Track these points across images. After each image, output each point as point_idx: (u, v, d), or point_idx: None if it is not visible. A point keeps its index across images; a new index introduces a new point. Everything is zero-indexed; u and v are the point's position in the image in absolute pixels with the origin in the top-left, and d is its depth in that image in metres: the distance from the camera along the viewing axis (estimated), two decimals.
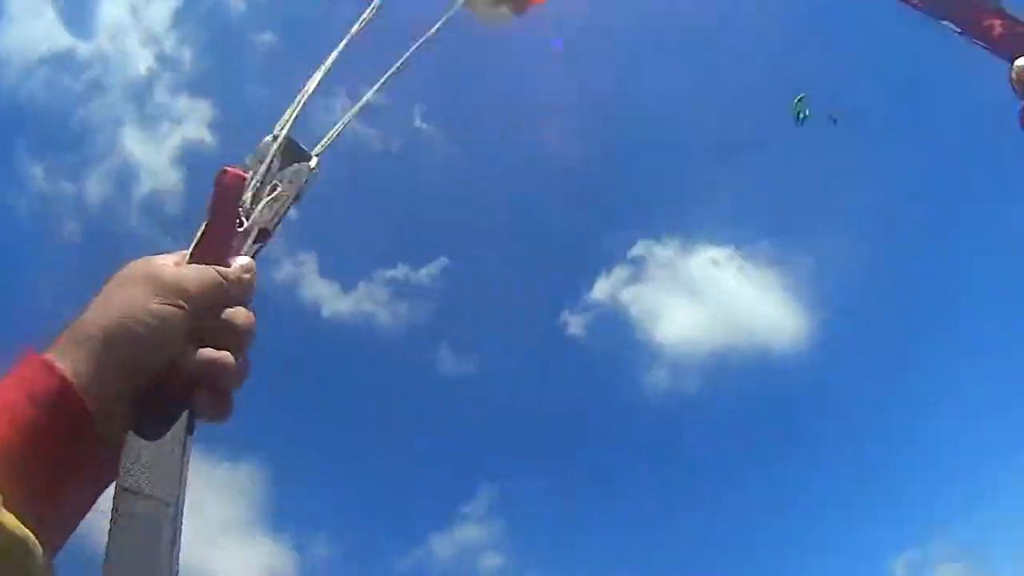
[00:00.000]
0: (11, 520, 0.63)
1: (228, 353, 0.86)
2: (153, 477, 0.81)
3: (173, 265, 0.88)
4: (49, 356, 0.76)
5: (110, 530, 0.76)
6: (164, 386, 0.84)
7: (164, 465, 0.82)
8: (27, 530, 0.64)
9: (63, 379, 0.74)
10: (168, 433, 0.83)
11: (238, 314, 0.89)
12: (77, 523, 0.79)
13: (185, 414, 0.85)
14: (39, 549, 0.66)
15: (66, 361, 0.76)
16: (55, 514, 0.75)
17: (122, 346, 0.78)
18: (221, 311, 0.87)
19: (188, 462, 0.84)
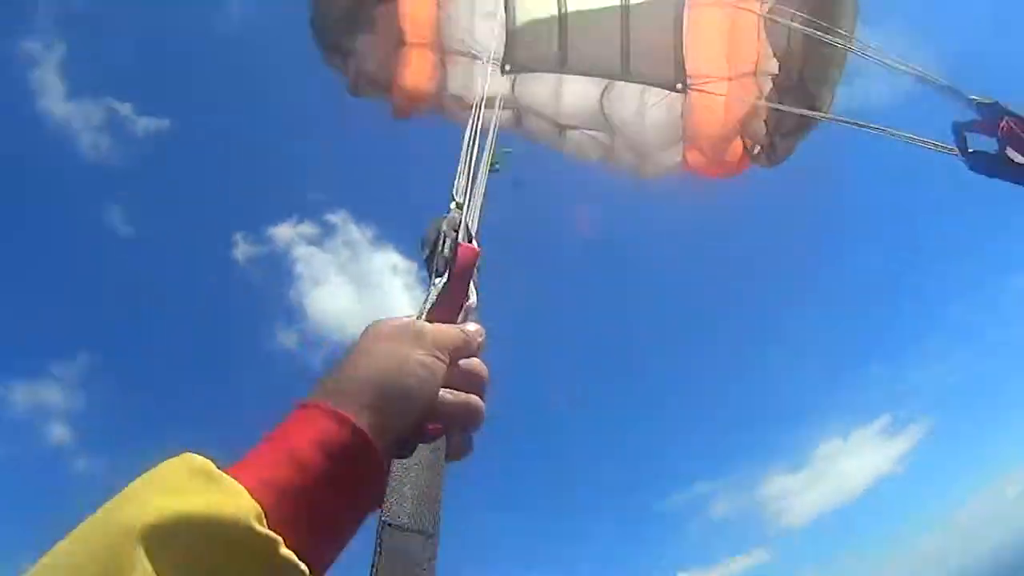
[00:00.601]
0: (291, 556, 0.69)
1: (477, 397, 1.00)
2: (415, 511, 0.84)
3: (428, 323, 1.03)
4: (333, 406, 0.81)
5: (376, 564, 0.77)
6: (422, 423, 0.93)
7: (425, 498, 0.86)
8: (304, 566, 0.70)
9: (359, 431, 0.80)
10: (426, 467, 0.89)
11: (478, 365, 1.04)
12: (342, 550, 0.82)
13: (443, 447, 0.93)
14: None
15: (350, 410, 0.81)
16: (333, 547, 0.80)
17: (399, 394, 0.88)
18: (461, 363, 1.03)
19: (443, 493, 0.90)
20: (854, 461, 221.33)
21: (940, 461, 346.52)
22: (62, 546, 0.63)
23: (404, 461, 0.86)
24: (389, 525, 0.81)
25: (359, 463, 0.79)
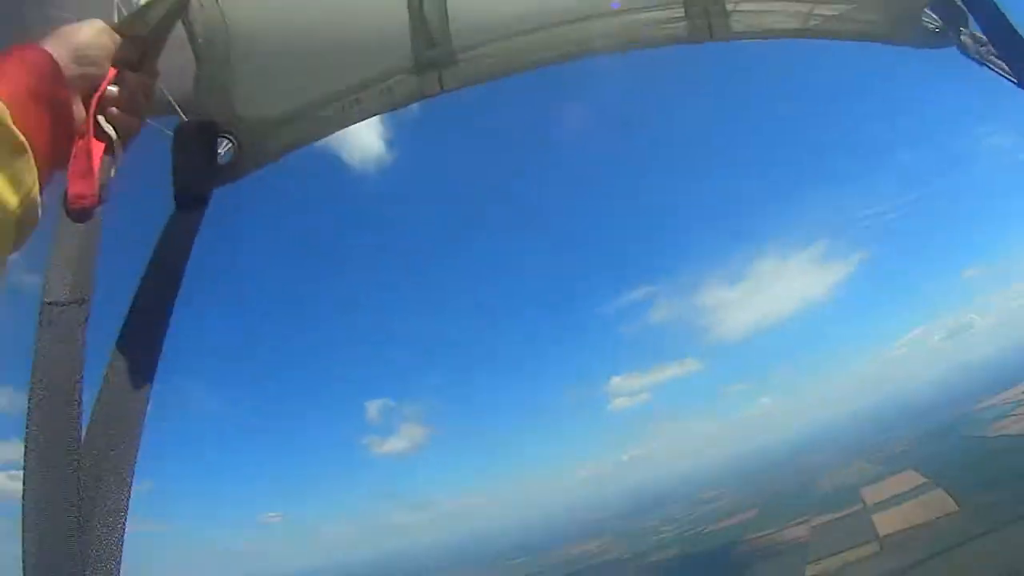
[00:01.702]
0: (18, 133, 0.83)
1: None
2: (73, 282, 0.94)
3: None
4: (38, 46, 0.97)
5: (37, 337, 0.90)
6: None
7: (80, 267, 0.97)
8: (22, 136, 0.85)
9: (55, 62, 0.96)
10: (83, 235, 0.98)
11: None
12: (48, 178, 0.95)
13: (99, 223, 1.02)
14: (31, 158, 0.87)
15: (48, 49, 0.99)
16: (45, 160, 0.92)
17: (79, 50, 1.02)
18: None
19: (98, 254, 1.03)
20: (789, 283, 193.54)
21: (871, 298, 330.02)
22: None
23: (61, 238, 0.97)
24: (49, 304, 0.92)
25: (56, 88, 0.93)
